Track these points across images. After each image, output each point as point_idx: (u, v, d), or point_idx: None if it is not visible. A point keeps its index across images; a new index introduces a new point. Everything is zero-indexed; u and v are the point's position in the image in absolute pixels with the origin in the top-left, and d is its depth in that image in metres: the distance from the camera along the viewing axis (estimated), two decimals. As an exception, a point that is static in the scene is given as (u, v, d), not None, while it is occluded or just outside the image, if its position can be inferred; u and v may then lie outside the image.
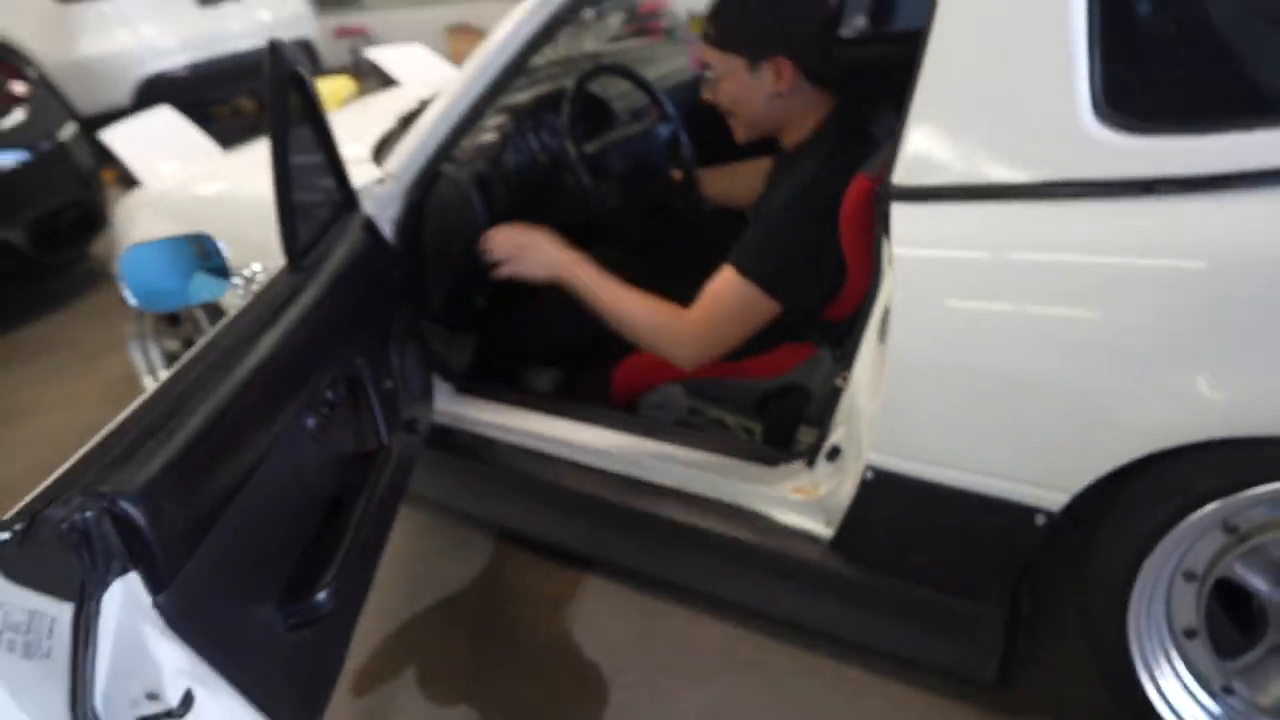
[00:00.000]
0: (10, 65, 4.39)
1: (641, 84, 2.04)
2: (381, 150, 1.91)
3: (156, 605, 0.96)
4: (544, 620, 1.69)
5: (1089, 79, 1.02)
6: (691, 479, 1.60)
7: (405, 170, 1.71)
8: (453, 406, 1.90)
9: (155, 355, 2.41)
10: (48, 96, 3.62)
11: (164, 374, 2.38)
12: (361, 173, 1.69)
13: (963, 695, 1.41)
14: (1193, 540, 1.11)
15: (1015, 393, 1.12)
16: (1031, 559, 1.23)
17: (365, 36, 7.44)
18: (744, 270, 1.42)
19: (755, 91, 1.48)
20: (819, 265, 1.43)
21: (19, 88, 3.62)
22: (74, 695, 0.94)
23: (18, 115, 3.47)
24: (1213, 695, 1.18)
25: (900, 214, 1.15)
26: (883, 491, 1.29)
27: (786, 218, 1.45)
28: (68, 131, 3.57)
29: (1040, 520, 1.16)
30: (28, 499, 0.96)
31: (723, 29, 1.49)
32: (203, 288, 1.62)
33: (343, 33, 7.15)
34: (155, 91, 5.17)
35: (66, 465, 1.00)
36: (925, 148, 1.13)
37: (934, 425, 1.21)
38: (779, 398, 1.66)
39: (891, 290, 1.18)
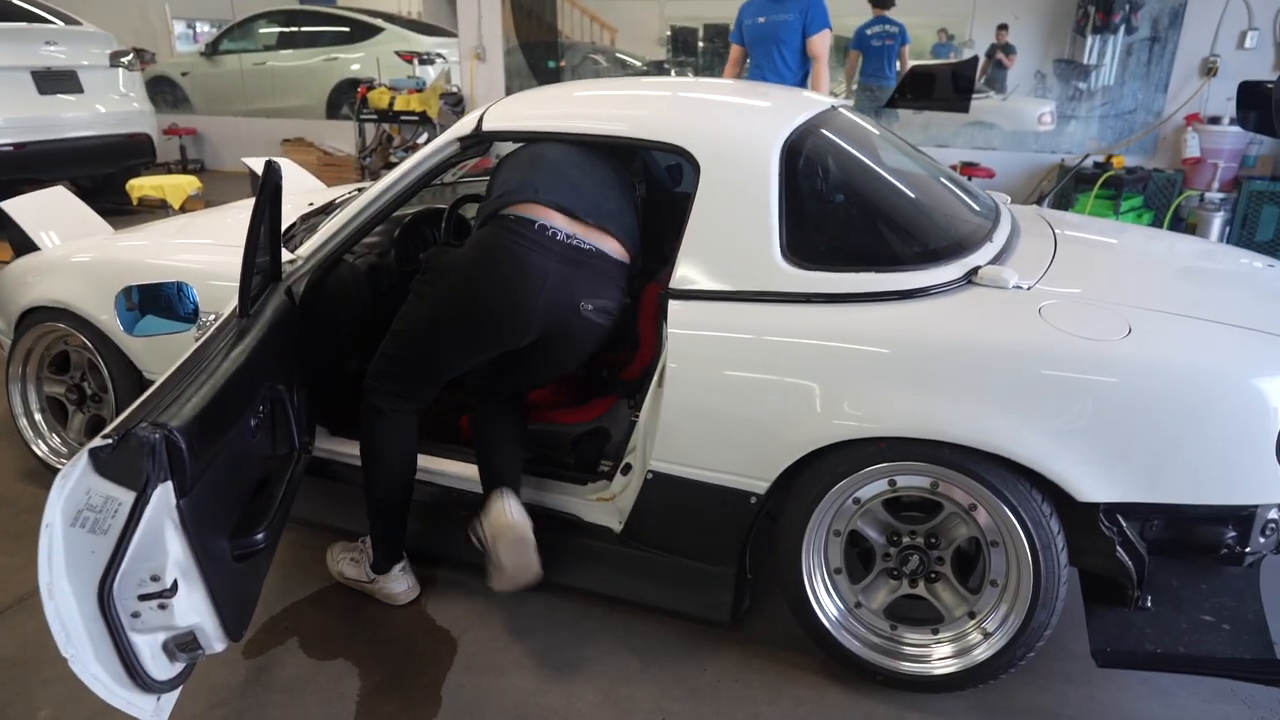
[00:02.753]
0: None
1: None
2: (289, 239, 2.44)
3: (178, 507, 1.43)
4: (401, 604, 2.17)
5: (778, 238, 1.83)
6: (523, 492, 2.19)
7: (314, 256, 2.26)
8: (330, 444, 2.40)
9: (33, 398, 2.67)
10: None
11: (40, 414, 2.69)
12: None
13: (709, 633, 2.06)
14: (835, 508, 1.85)
15: (735, 419, 1.85)
16: (749, 530, 1.93)
17: (195, 136, 7.72)
18: None
19: None
20: None
21: None
22: (108, 566, 1.39)
23: None
24: (850, 610, 1.91)
25: (674, 307, 1.88)
26: (657, 488, 1.96)
27: None
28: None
29: (753, 500, 1.87)
30: (117, 421, 1.43)
31: None
32: (151, 325, 2.06)
33: (172, 132, 7.40)
34: (-24, 165, 5.24)
35: (136, 403, 1.48)
36: (689, 268, 1.87)
37: (690, 440, 1.91)
38: (588, 437, 2.30)
39: (666, 355, 1.89)
